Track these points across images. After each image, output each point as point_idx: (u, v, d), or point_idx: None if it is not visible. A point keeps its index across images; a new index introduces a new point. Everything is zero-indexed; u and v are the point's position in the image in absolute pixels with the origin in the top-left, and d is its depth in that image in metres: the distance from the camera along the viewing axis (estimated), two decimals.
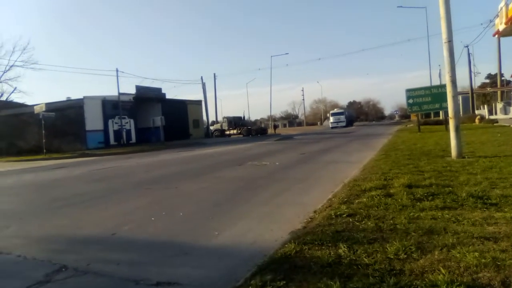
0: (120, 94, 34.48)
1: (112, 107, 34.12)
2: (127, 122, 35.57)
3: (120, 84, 34.86)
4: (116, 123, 34.24)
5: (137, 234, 4.94)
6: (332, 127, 58.04)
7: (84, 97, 32.11)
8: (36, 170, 16.43)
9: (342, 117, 62.98)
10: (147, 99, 38.73)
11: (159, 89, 40.99)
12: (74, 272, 3.58)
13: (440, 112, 31.75)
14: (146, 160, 17.48)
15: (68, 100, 34.06)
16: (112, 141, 33.74)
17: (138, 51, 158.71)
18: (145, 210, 6.33)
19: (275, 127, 61.79)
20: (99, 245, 4.59)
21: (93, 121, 32.30)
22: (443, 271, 2.68)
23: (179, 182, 9.27)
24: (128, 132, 35.82)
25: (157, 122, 35.76)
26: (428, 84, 36.04)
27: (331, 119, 63.44)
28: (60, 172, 14.63)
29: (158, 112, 38.17)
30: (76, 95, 42.19)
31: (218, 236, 4.54)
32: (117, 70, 34.23)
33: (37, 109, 26.76)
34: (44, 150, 25.51)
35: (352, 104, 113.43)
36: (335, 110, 68.18)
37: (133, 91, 37.15)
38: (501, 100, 45.93)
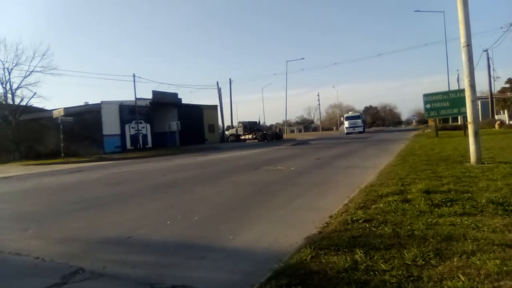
0: (137, 99, 34.84)
1: (129, 111, 34.49)
2: (143, 127, 35.89)
3: (137, 89, 35.37)
4: (132, 127, 34.57)
5: (152, 237, 4.97)
6: (347, 133, 52.70)
7: (102, 102, 32.54)
8: (54, 173, 16.68)
9: (359, 122, 55.76)
10: (163, 104, 39.04)
11: (175, 94, 41.27)
12: (91, 275, 3.60)
13: (459, 117, 31.30)
14: (162, 165, 17.59)
15: (86, 105, 34.57)
16: (128, 145, 34.07)
17: (155, 56, 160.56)
18: (161, 214, 6.36)
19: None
20: (115, 248, 4.62)
21: (110, 125, 32.66)
22: (462, 278, 2.62)
23: (194, 186, 9.31)
24: (145, 136, 36.13)
25: (173, 127, 36.05)
26: (445, 89, 35.59)
27: (346, 123, 56.16)
28: (78, 175, 14.82)
29: (174, 117, 38.45)
30: (94, 100, 42.80)
31: (233, 240, 4.54)
32: (134, 76, 34.69)
33: (55, 114, 27.20)
34: (62, 154, 25.89)
35: (368, 109, 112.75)
36: (350, 114, 61.86)
37: (149, 96, 37.50)
38: None
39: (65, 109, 27.90)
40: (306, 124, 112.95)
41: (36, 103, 36.76)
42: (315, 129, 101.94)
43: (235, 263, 3.77)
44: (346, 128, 55.05)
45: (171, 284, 3.23)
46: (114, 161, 23.36)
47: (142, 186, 10.25)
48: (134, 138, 34.58)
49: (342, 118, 64.71)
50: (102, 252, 4.45)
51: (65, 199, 8.97)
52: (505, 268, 2.72)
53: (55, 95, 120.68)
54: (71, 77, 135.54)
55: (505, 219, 4.01)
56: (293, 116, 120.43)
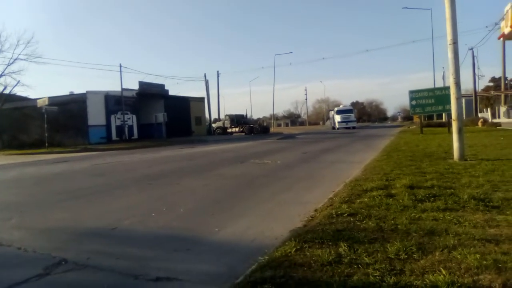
0: (123, 89, 34.52)
1: (115, 102, 34.19)
2: (129, 118, 35.63)
3: (123, 80, 35.06)
4: (118, 118, 34.31)
5: (137, 229, 4.94)
6: (338, 128, 48.93)
7: (87, 92, 32.17)
8: (38, 163, 16.45)
9: (352, 116, 51.94)
10: (150, 95, 38.76)
11: (162, 86, 40.99)
12: (74, 266, 3.57)
13: (443, 114, 31.71)
14: (148, 156, 17.49)
15: (71, 94, 34.17)
16: (114, 136, 33.84)
17: (142, 47, 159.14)
18: (146, 205, 6.33)
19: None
20: (99, 239, 4.59)
21: (96, 116, 32.37)
22: (443, 272, 2.67)
23: (180, 178, 9.28)
24: (130, 127, 35.88)
25: (159, 118, 35.80)
26: (431, 86, 35.98)
27: (337, 117, 51.39)
28: (62, 166, 14.65)
29: (161, 109, 38.19)
30: (79, 89, 42.21)
31: (219, 232, 4.54)
32: (120, 66, 34.32)
33: (40, 103, 26.79)
34: (46, 144, 25.56)
35: (355, 105, 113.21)
36: (341, 107, 56.28)
37: (136, 86, 37.22)
38: (505, 103, 45.81)
39: (49, 98, 27.49)
40: (293, 118, 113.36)
41: (20, 91, 36.11)
42: (302, 123, 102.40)
43: (220, 255, 3.77)
44: (338, 122, 50.49)
45: (155, 276, 3.23)
46: (99, 152, 23.12)
47: (127, 178, 10.18)
48: (119, 129, 34.32)
49: (332, 113, 57.31)
50: (86, 243, 4.41)
51: (49, 189, 8.87)
52: (484, 262, 2.78)
53: (39, 84, 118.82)
54: (56, 66, 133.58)
55: (485, 215, 4.09)
56: (280, 110, 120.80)
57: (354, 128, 47.87)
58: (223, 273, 3.30)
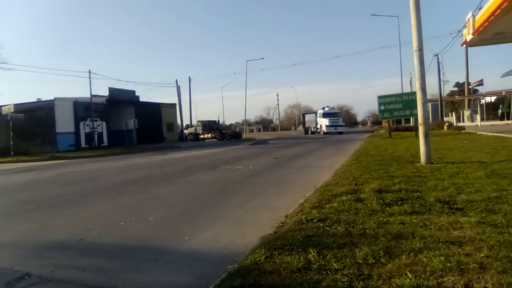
0: (92, 96, 33.81)
1: (84, 109, 33.45)
2: (99, 125, 34.91)
3: (92, 86, 34.24)
4: (87, 125, 33.57)
5: (105, 239, 4.83)
6: (326, 132, 44.74)
7: (55, 98, 31.33)
8: (2, 173, 15.88)
9: (341, 120, 47.91)
10: (120, 101, 38.11)
11: (133, 92, 40.42)
12: (37, 280, 3.46)
13: (411, 118, 32.51)
14: (118, 164, 17.16)
15: (39, 101, 33.16)
16: (83, 143, 33.06)
17: (113, 53, 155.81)
18: (114, 215, 6.20)
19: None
20: (65, 251, 4.45)
21: (64, 123, 31.56)
22: (409, 275, 2.72)
23: (151, 186, 9.14)
24: (100, 134, 35.15)
25: (130, 125, 35.16)
26: (399, 91, 36.90)
27: (325, 121, 46.26)
28: (28, 175, 14.18)
29: (131, 115, 37.56)
30: (48, 96, 41.12)
31: (189, 241, 4.49)
32: (89, 72, 33.61)
33: (5, 110, 25.90)
34: (12, 153, 24.69)
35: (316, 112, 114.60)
36: (327, 110, 49.74)
37: (106, 93, 36.54)
38: (468, 108, 47.55)
39: (15, 105, 26.63)
40: (265, 124, 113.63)
41: None
42: (274, 128, 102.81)
43: (190, 264, 3.73)
44: (327, 126, 45.52)
45: None
46: (68, 160, 22.52)
47: (96, 186, 9.95)
48: (89, 136, 33.56)
49: (310, 116, 53.17)
50: (51, 256, 4.27)
51: (13, 199, 8.56)
52: (448, 264, 2.86)
53: (6, 90, 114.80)
54: (24, 72, 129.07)
55: (450, 217, 4.21)
56: (252, 116, 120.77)
57: (341, 133, 43.59)
58: (193, 282, 3.27)
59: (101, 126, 35.37)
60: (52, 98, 31.47)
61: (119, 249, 4.40)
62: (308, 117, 56.59)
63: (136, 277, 3.47)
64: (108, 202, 7.48)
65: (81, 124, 33.21)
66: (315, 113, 52.36)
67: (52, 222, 6.00)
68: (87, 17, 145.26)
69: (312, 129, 51.65)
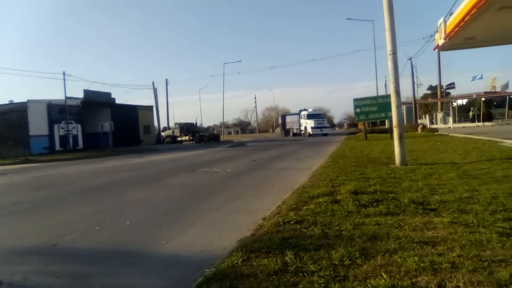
0: (67, 98, 33.23)
1: (58, 111, 32.86)
2: (74, 127, 34.36)
3: (67, 88, 33.69)
4: (62, 128, 33.02)
5: (80, 244, 4.73)
6: (311, 134, 43.64)
7: (28, 101, 30.69)
8: None
9: (326, 121, 47.40)
10: (95, 103, 37.59)
11: (109, 94, 39.95)
12: (9, 287, 3.36)
13: (386, 121, 33.05)
14: (93, 167, 16.87)
15: (11, 103, 32.38)
16: (57, 146, 32.47)
17: (88, 55, 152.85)
18: (90, 219, 6.08)
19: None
20: (38, 257, 4.34)
21: (38, 125, 30.97)
22: (384, 276, 2.76)
23: (127, 190, 9.02)
24: (75, 137, 34.58)
25: (105, 127, 34.62)
26: (375, 94, 37.47)
27: (310, 122, 44.98)
28: (0, 179, 13.79)
29: (107, 117, 37.02)
30: (19, 98, 40.06)
31: (166, 244, 4.45)
32: (64, 73, 33.12)
33: None
34: None
35: (299, 113, 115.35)
36: (311, 111, 49.13)
37: (81, 95, 35.91)
38: (441, 110, 48.82)
39: None
40: (243, 126, 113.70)
41: None
42: (252, 131, 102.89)
43: (167, 268, 3.69)
44: (312, 128, 44.31)
45: None
46: (42, 163, 22.03)
47: (70, 190, 9.75)
48: (63, 139, 32.99)
49: (291, 118, 52.00)
50: (23, 262, 4.16)
51: None
52: (422, 264, 2.91)
53: None
54: None
55: (424, 218, 4.29)
56: (230, 118, 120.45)
57: (326, 135, 42.89)
58: (170, 287, 3.24)
59: (76, 129, 34.84)
60: (25, 100, 30.78)
61: (94, 254, 4.32)
62: (289, 118, 55.44)
63: (112, 282, 3.42)
64: (83, 206, 7.34)
65: (56, 126, 32.64)
66: (298, 114, 51.37)
67: (25, 227, 5.86)
68: (61, 17, 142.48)
69: (295, 131, 50.84)
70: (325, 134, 43.26)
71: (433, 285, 2.61)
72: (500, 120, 48.38)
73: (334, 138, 32.91)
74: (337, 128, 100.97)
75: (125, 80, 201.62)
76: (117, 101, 41.16)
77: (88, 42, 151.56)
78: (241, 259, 3.31)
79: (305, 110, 50.08)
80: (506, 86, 49.91)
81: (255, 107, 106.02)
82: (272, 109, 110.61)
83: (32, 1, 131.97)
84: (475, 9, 12.98)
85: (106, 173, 14.03)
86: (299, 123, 49.37)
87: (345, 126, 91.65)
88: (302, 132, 47.81)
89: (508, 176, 6.68)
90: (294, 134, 50.39)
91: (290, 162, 14.06)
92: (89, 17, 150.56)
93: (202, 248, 4.23)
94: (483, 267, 2.82)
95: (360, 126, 34.13)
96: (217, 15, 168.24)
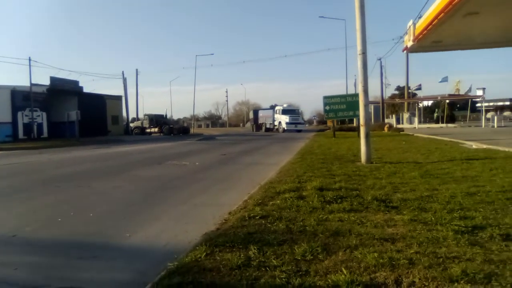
0: (32, 84, 32.07)
1: (22, 98, 31.69)
2: (38, 115, 33.21)
3: (33, 75, 32.50)
4: (26, 115, 31.85)
5: (40, 235, 4.62)
6: (286, 129, 43.86)
7: None
8: None
9: (300, 118, 48.18)
10: (62, 91, 36.44)
11: (76, 82, 38.81)
12: None
13: (354, 119, 33.63)
14: (58, 156, 16.41)
15: None
16: (21, 135, 31.34)
17: (56, 42, 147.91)
18: (52, 210, 5.94)
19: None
20: None
21: (0, 112, 29.80)
22: (344, 271, 2.83)
23: (92, 181, 8.83)
24: (40, 125, 33.45)
25: (72, 116, 33.62)
26: (345, 93, 38.00)
27: (285, 118, 44.98)
28: None
29: (74, 106, 35.95)
30: None
31: (130, 237, 4.40)
32: (29, 59, 31.87)
33: None
34: None
35: (274, 108, 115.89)
36: (286, 106, 49.30)
37: (47, 82, 34.76)
38: (408, 110, 50.18)
39: None
40: (213, 120, 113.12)
41: None
42: (223, 125, 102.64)
43: (130, 262, 3.66)
44: (287, 123, 44.43)
45: (57, 287, 3.04)
46: (4, 151, 21.18)
47: (33, 180, 9.45)
48: (27, 127, 31.86)
49: (275, 112, 49.00)
50: None
51: None
52: (381, 260, 3.00)
53: None
54: None
55: (386, 215, 4.42)
56: (201, 111, 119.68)
57: (300, 131, 42.97)
58: (133, 280, 3.21)
59: (41, 117, 33.71)
60: None
61: (55, 246, 4.23)
62: (262, 113, 54.77)
63: (72, 275, 3.35)
64: (46, 196, 7.15)
65: (19, 114, 31.50)
66: (272, 109, 50.91)
67: None
68: (29, 2, 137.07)
69: (268, 126, 50.34)
70: (299, 130, 43.27)
71: (390, 281, 2.69)
72: (462, 122, 50.31)
73: (304, 135, 33.27)
74: (306, 125, 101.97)
75: (94, 69, 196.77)
76: (85, 90, 40.11)
77: (56, 28, 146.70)
78: (205, 253, 3.31)
79: (278, 105, 49.97)
80: (469, 90, 51.75)
81: (227, 101, 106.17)
82: (243, 103, 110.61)
83: None
84: (442, 13, 13.37)
85: (71, 163, 13.69)
86: (273, 118, 49.04)
87: (315, 123, 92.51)
88: (276, 127, 47.57)
89: (467, 176, 6.96)
90: (267, 129, 50.13)
91: (259, 157, 14.14)
92: (59, 3, 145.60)
93: (167, 241, 4.21)
94: (438, 264, 2.94)
95: (329, 123, 34.50)
96: (191, 7, 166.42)
